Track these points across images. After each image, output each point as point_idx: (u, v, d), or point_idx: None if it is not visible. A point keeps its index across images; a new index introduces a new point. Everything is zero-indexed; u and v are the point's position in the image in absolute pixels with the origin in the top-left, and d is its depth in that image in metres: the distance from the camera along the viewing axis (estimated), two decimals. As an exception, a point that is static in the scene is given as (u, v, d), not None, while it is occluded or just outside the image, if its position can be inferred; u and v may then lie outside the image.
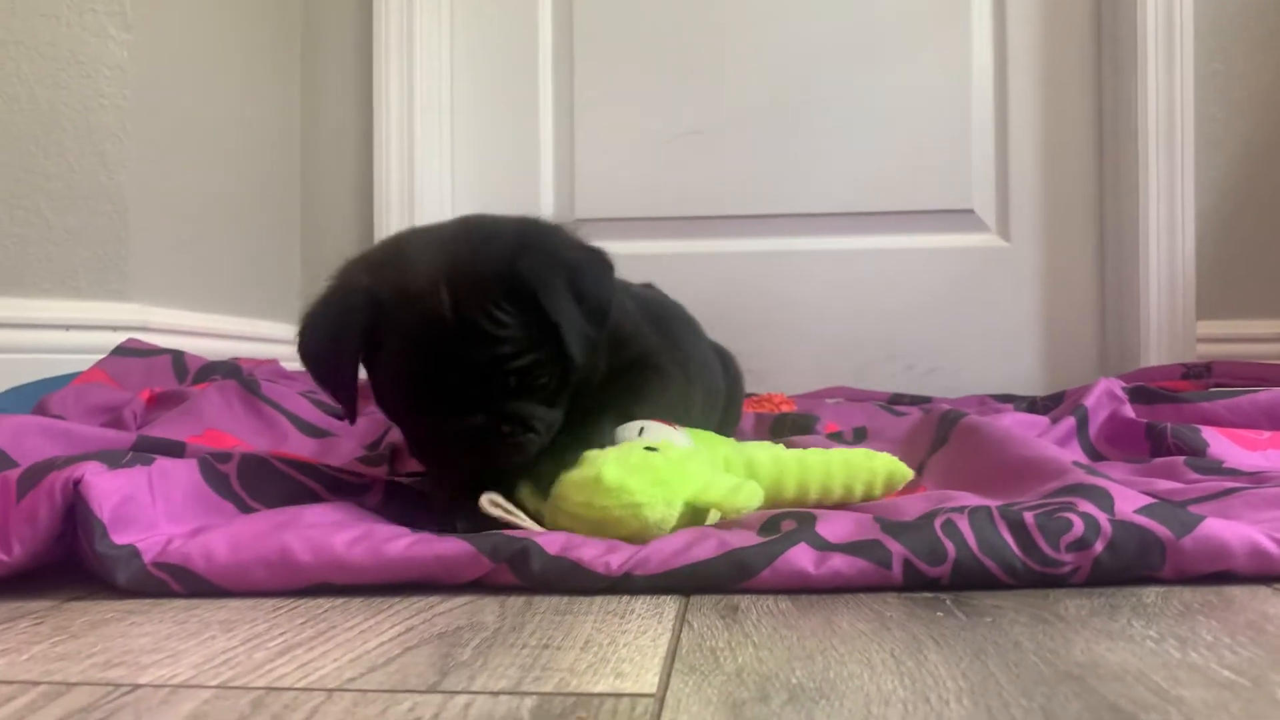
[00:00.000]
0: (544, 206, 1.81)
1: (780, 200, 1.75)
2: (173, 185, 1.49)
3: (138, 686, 0.40)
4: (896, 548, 0.56)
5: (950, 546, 0.57)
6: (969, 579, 0.56)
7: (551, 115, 1.82)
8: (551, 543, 0.58)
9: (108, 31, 1.44)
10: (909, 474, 0.74)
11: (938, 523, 0.58)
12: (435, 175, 1.80)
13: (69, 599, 0.55)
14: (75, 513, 0.56)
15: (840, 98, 1.73)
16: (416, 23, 1.77)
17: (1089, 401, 0.99)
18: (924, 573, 0.56)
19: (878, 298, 1.72)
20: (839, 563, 0.56)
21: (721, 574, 0.56)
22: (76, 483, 0.57)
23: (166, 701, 0.38)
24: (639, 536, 0.62)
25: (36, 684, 0.40)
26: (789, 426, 1.09)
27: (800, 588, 0.56)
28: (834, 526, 0.60)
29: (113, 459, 0.61)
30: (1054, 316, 1.70)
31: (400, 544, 0.57)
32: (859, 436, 0.97)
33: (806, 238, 1.74)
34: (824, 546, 0.57)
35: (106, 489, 0.56)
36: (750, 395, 1.46)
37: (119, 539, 0.55)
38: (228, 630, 0.48)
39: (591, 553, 0.57)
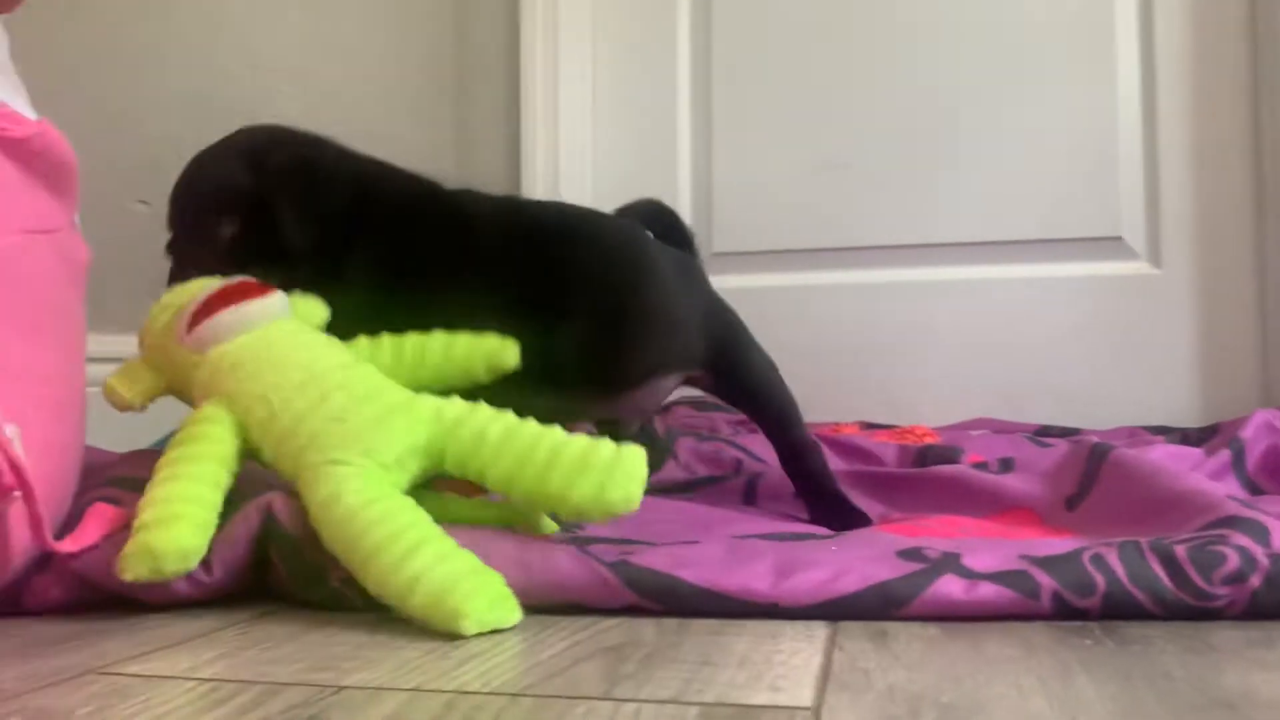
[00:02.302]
0: (683, 241, 1.85)
1: (920, 230, 1.75)
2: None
3: (342, 688, 0.44)
4: (1045, 579, 0.57)
5: (1100, 579, 0.57)
6: (1118, 610, 0.57)
7: (689, 154, 1.86)
8: (697, 575, 0.60)
9: (279, 86, 1.56)
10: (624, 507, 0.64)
11: (1085, 556, 0.59)
12: (578, 211, 1.86)
13: (265, 614, 0.61)
14: (269, 534, 0.62)
15: (980, 126, 1.72)
16: (561, 68, 1.85)
17: (1246, 433, 0.97)
18: (1072, 604, 0.57)
19: (1022, 327, 1.69)
20: (987, 591, 0.57)
21: (870, 605, 0.58)
22: (268, 506, 0.63)
23: (370, 701, 0.42)
24: None
25: (254, 683, 0.45)
26: (933, 458, 1.10)
27: (948, 615, 0.58)
28: (980, 558, 0.61)
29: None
30: (1210, 345, 1.64)
31: (562, 561, 0.61)
32: (1005, 468, 0.97)
33: (948, 267, 1.74)
34: (971, 575, 0.58)
35: (297, 511, 0.62)
36: (892, 427, 1.46)
37: (310, 556, 0.61)
38: (412, 641, 0.53)
39: (732, 583, 0.59)
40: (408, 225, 0.86)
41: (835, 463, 1.15)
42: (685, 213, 1.84)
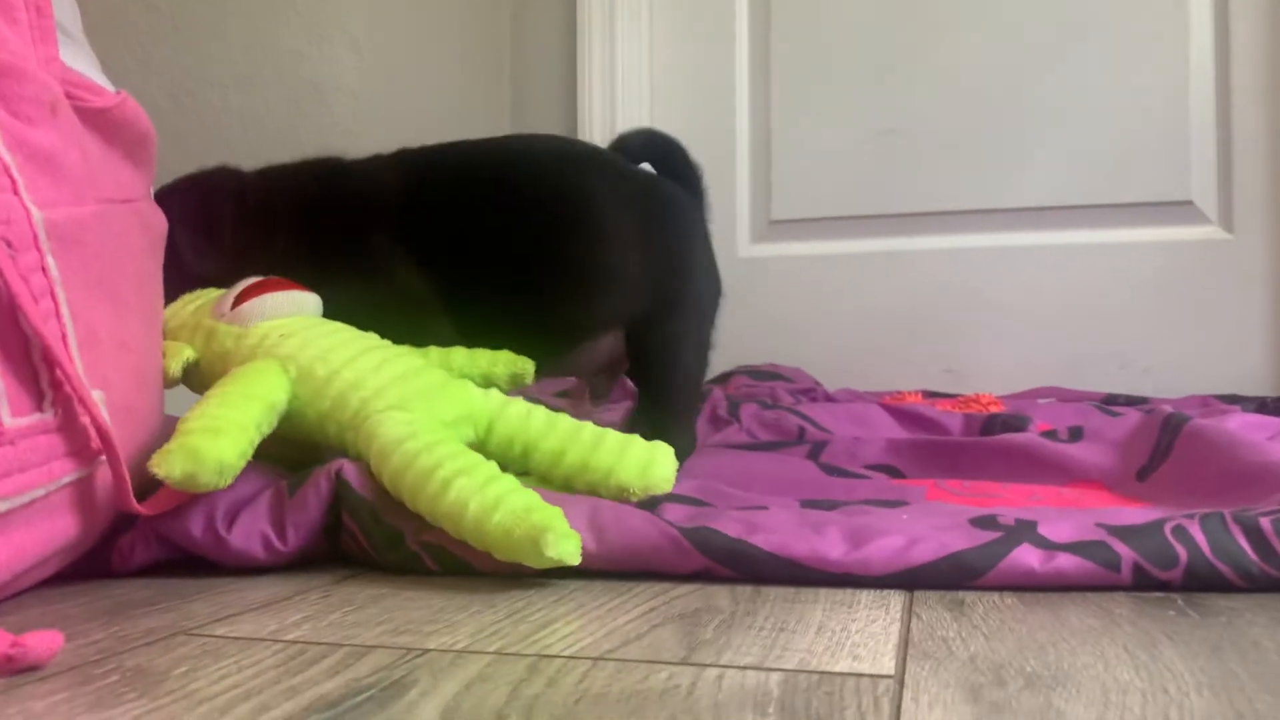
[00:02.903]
0: (739, 209, 1.84)
1: (983, 195, 1.72)
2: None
3: (427, 651, 0.45)
4: (1125, 550, 0.56)
5: (1182, 551, 0.56)
6: (1200, 583, 0.56)
7: (748, 122, 1.84)
8: (768, 540, 0.60)
9: (339, 56, 1.56)
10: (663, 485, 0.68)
11: (1167, 528, 0.58)
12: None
13: (343, 578, 0.62)
14: (342, 499, 0.63)
15: (1046, 90, 1.69)
16: (618, 34, 1.84)
17: (1327, 403, 0.94)
18: (1153, 575, 0.56)
19: (1088, 294, 1.67)
20: (1064, 562, 0.57)
21: (945, 575, 0.57)
22: (338, 472, 0.64)
23: (454, 663, 0.43)
24: None
25: (340, 645, 0.46)
26: (999, 427, 1.08)
27: (1024, 586, 0.57)
28: (1056, 527, 0.60)
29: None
30: (1284, 313, 1.60)
31: (635, 523, 0.61)
32: (1074, 436, 0.95)
33: (1011, 233, 1.71)
34: (1048, 545, 0.58)
35: (369, 475, 0.63)
36: (956, 396, 1.45)
37: (388, 518, 0.62)
38: (490, 605, 0.54)
39: (804, 549, 0.59)
40: (311, 215, 0.87)
41: (898, 432, 1.15)
42: (744, 180, 1.84)
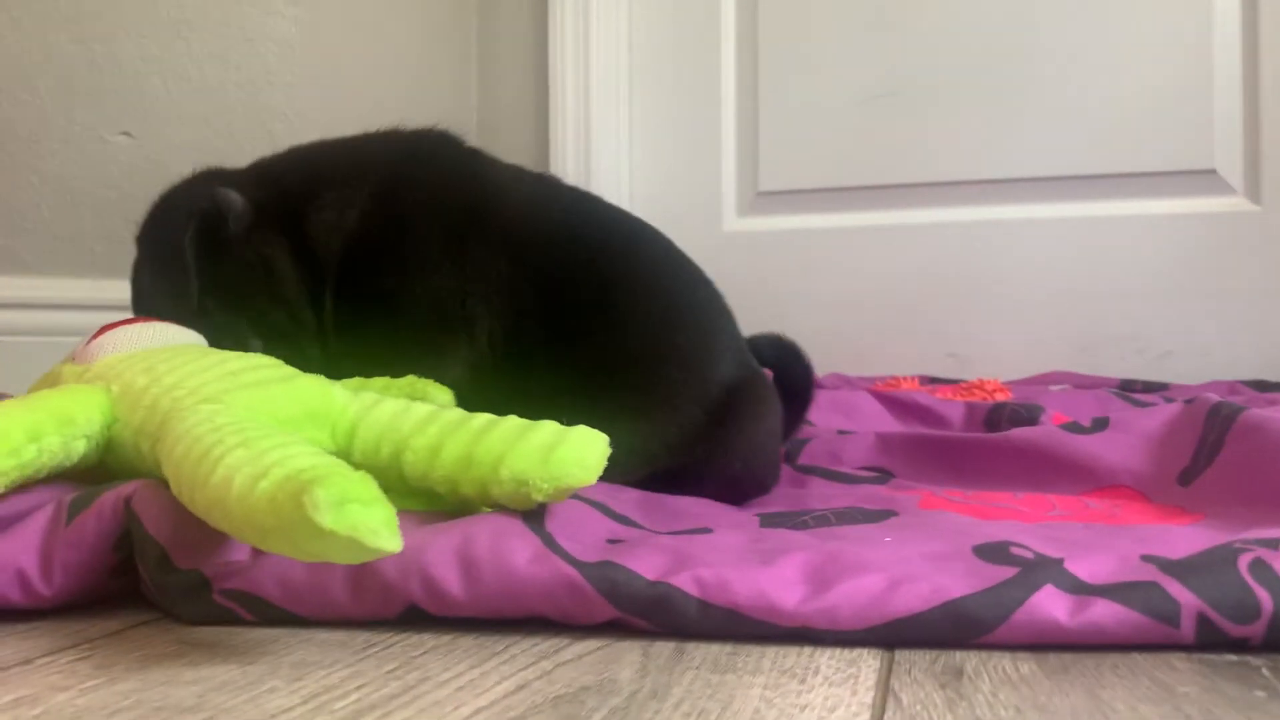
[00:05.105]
0: (725, 180, 1.69)
1: (988, 164, 1.56)
2: (338, 163, 1.45)
3: (140, 773, 0.30)
4: (1185, 596, 0.41)
5: (1265, 596, 0.41)
6: (1292, 640, 0.41)
7: (734, 86, 1.69)
8: (699, 581, 0.44)
9: (275, 7, 1.41)
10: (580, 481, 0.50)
11: (1242, 562, 0.42)
12: (611, 157, 1.70)
13: (129, 628, 0.46)
14: (131, 537, 0.47)
15: (1055, 46, 1.53)
16: (593, 2, 1.68)
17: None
18: (1225, 631, 0.41)
19: (1102, 271, 1.51)
20: (1102, 612, 0.41)
21: (939, 631, 0.42)
22: (128, 500, 0.48)
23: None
24: None
25: (23, 759, 0.31)
26: (1006, 418, 0.93)
27: (1048, 643, 0.42)
28: (1090, 563, 0.44)
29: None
30: (1317, 289, 1.45)
31: (519, 561, 0.45)
32: (1099, 428, 0.80)
33: (1019, 205, 1.55)
34: (1079, 589, 0.42)
35: (165, 506, 0.46)
36: (958, 382, 1.29)
37: (184, 563, 0.46)
38: (295, 679, 0.38)
39: (748, 593, 0.43)
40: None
41: (891, 424, 0.99)
42: (729, 150, 1.69)
